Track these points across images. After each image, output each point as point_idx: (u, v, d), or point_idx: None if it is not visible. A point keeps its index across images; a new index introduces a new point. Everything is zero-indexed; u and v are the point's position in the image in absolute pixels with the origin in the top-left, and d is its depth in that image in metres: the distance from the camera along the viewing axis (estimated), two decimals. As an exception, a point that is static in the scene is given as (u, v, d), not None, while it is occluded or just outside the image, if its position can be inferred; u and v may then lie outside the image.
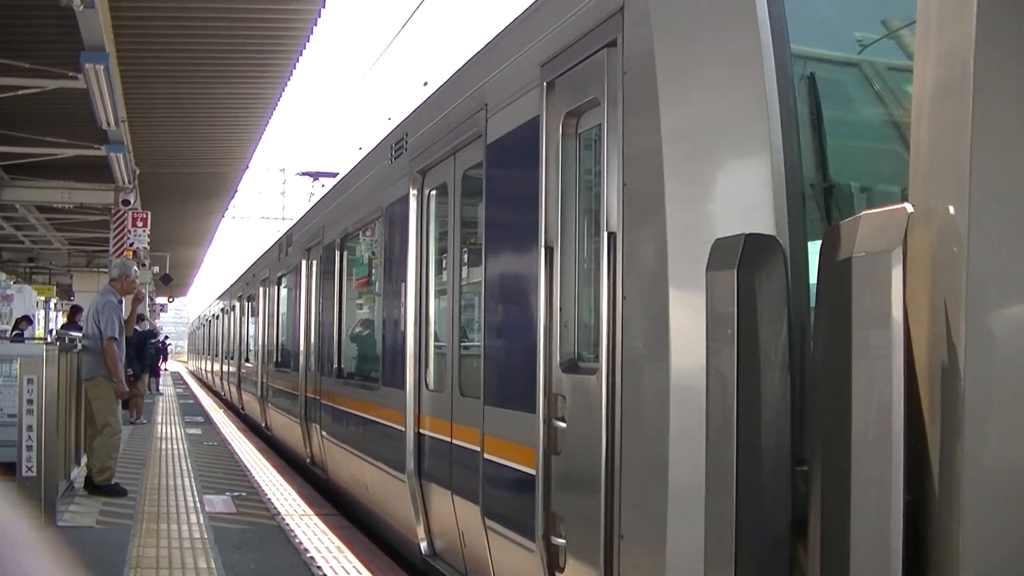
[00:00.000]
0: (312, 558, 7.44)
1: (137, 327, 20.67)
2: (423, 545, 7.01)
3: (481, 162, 5.69)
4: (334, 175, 19.06)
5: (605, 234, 4.05)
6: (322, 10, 11.91)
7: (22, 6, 10.55)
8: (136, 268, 11.20)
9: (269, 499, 10.17)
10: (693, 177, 3.67)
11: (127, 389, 10.21)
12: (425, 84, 7.51)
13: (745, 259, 3.13)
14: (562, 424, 4.51)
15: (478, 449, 5.62)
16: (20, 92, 13.55)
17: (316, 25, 12.67)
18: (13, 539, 0.82)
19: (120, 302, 10.37)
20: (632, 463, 3.89)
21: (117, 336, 9.91)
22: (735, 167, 3.59)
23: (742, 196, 3.53)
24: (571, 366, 4.52)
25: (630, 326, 3.91)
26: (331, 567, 7.20)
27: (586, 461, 4.20)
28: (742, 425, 3.15)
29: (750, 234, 3.20)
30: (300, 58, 13.97)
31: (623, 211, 3.94)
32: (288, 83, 15.18)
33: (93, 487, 10.05)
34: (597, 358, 4.20)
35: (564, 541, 4.51)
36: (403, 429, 7.18)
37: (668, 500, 3.60)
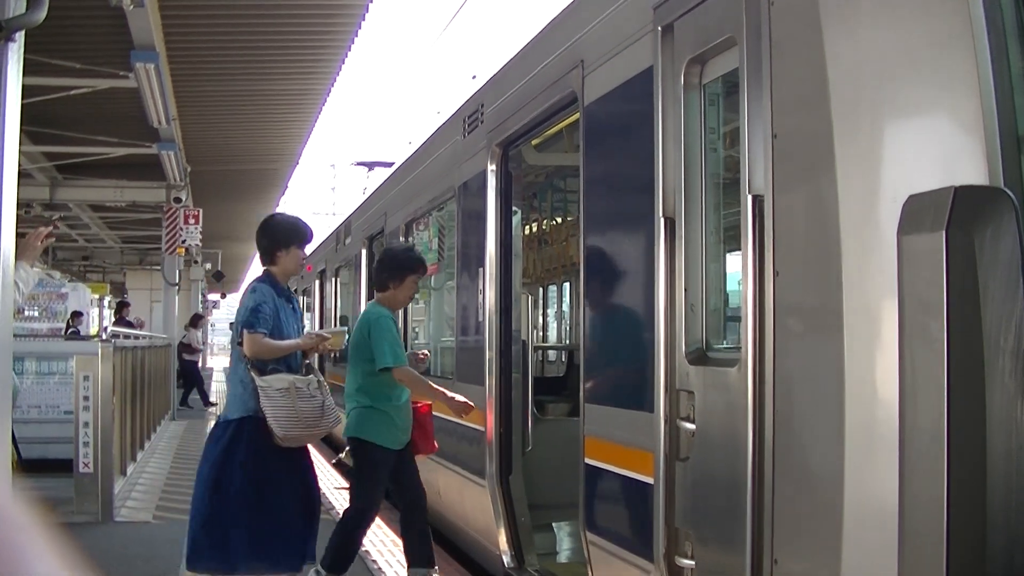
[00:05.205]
0: (367, 551, 7.26)
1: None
2: (505, 558, 6.39)
3: (577, 126, 5.03)
4: (389, 165, 18.56)
5: (748, 198, 3.37)
6: (370, 4, 11.68)
7: (72, 7, 10.50)
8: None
9: (321, 491, 9.86)
10: (870, 121, 2.97)
11: None
12: (474, 77, 7.03)
13: (957, 217, 2.49)
14: (689, 425, 3.84)
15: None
16: (72, 92, 13.64)
17: (364, 19, 12.48)
18: (20, 539, 0.80)
19: None
20: (790, 472, 3.21)
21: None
22: (929, 106, 2.90)
23: (939, 143, 2.84)
24: (701, 357, 3.85)
25: (785, 307, 3.23)
26: (386, 561, 7.09)
27: (725, 469, 3.53)
28: (957, 426, 2.50)
29: (962, 186, 2.54)
30: (350, 52, 13.82)
31: (773, 169, 3.25)
32: (338, 77, 15.09)
33: None
34: (738, 346, 3.53)
35: (692, 563, 3.84)
36: (482, 429, 6.55)
37: (843, 518, 2.92)
